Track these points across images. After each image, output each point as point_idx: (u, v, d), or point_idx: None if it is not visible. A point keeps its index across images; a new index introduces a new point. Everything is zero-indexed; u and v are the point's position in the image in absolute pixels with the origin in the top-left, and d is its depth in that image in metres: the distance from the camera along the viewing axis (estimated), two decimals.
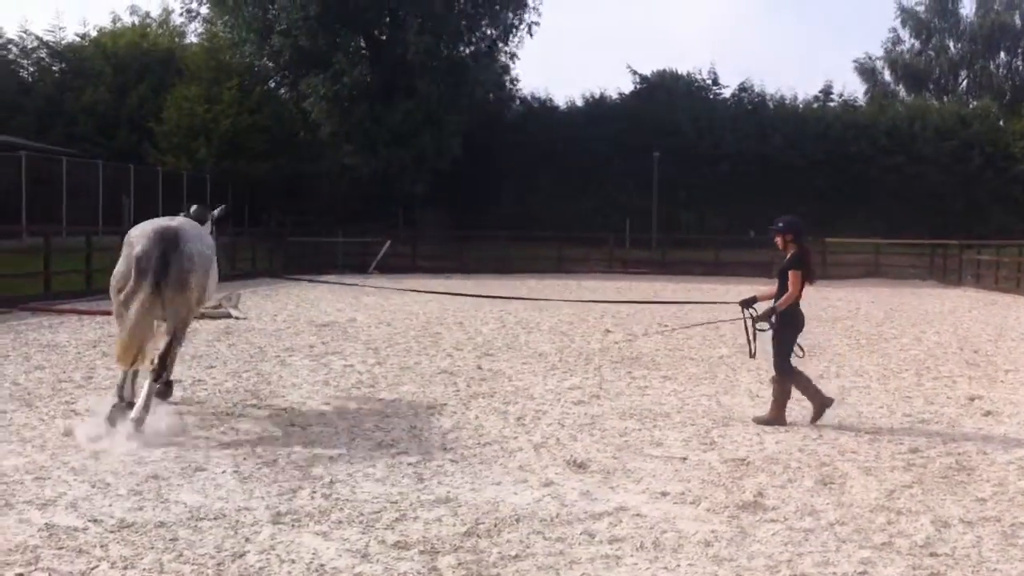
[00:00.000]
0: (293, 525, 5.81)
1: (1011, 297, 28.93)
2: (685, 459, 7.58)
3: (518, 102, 50.39)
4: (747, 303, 9.56)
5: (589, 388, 10.85)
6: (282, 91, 44.07)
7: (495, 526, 5.84)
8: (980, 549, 5.61)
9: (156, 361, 8.25)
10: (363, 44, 41.44)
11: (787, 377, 9.12)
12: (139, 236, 8.45)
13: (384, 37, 41.15)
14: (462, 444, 7.94)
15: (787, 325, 9.15)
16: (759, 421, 9.10)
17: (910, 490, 6.81)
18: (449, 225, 41.94)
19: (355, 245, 37.40)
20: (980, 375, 12.49)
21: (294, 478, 6.80)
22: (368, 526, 5.82)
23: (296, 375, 11.33)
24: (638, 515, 6.12)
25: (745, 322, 9.59)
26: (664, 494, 6.60)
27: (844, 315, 21.25)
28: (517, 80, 48.78)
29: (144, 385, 8.19)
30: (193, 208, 10.11)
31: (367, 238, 37.53)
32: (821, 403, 9.10)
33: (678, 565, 5.26)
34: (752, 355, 9.58)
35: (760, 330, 9.38)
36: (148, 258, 8.19)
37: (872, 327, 18.62)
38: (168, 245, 8.30)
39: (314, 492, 6.47)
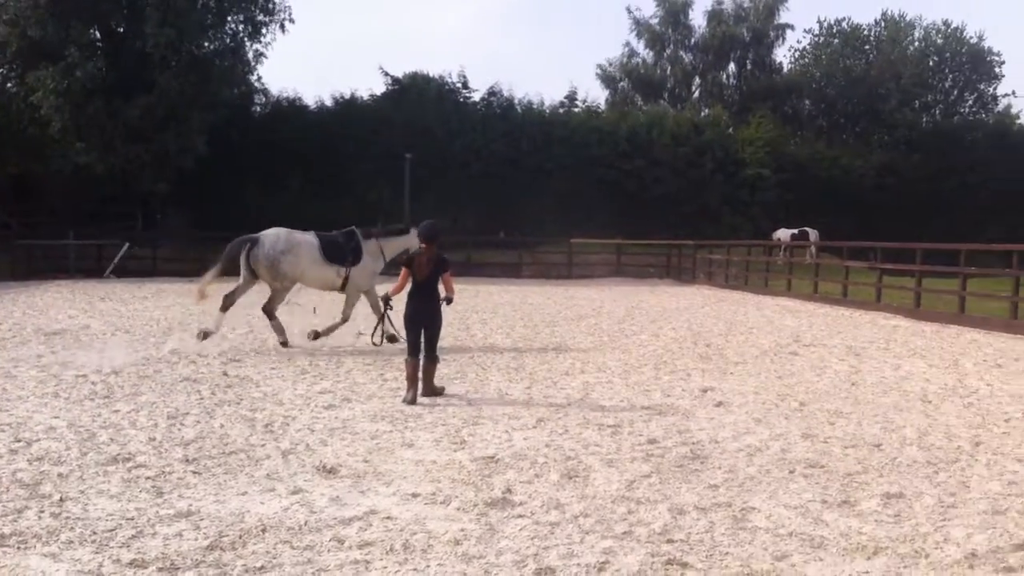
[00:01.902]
0: (19, 547, 5.38)
1: (739, 294, 30.96)
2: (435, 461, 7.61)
3: (266, 101, 49.26)
4: (385, 297, 11.34)
5: (340, 391, 10.71)
6: (9, 84, 41.07)
7: (240, 538, 5.63)
8: (713, 533, 5.91)
9: (263, 309, 14.91)
10: (99, 36, 39.24)
11: (408, 357, 10.33)
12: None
13: (122, 30, 39.13)
14: (205, 454, 7.62)
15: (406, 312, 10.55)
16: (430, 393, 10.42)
17: (649, 480, 7.11)
18: (193, 226, 40.36)
19: (90, 248, 35.31)
20: (712, 368, 13.25)
21: (19, 497, 6.31)
22: (102, 545, 5.47)
23: (22, 388, 10.53)
24: (388, 518, 6.07)
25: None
26: (415, 495, 6.59)
27: (588, 313, 22.04)
28: (263, 79, 47.70)
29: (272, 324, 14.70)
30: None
31: (103, 240, 35.49)
32: (413, 396, 10.12)
33: (427, 566, 5.25)
34: (375, 343, 11.61)
35: (391, 309, 11.36)
36: (228, 250, 14.88)
37: (614, 324, 19.41)
38: (242, 247, 14.82)
39: (42, 511, 6.02)
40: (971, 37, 65.89)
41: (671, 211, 47.88)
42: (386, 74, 50.77)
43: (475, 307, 21.60)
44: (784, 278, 31.33)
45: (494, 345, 15.29)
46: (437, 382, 10.66)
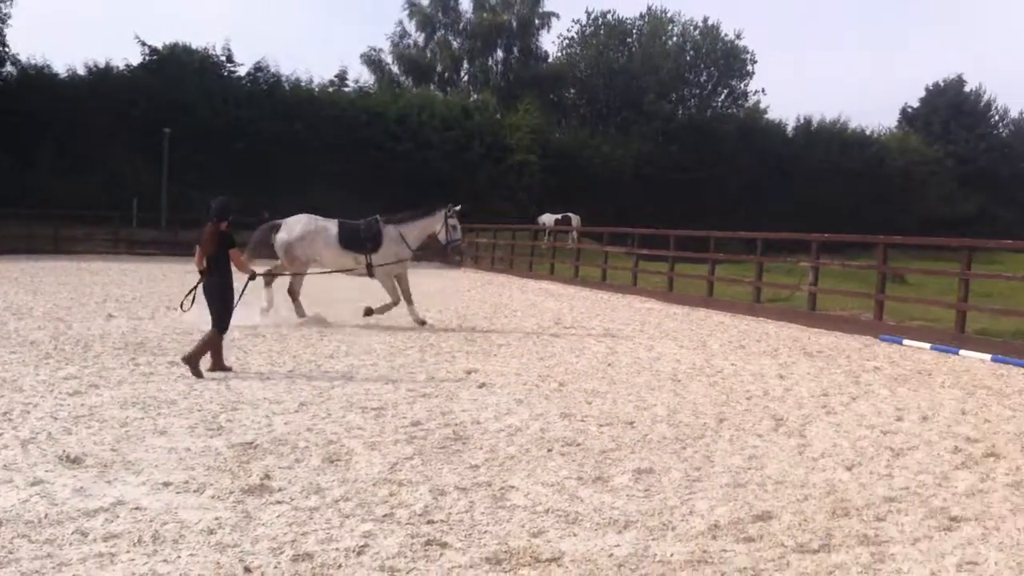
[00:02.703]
0: None
1: (505, 277, 31.58)
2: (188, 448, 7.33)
3: (11, 67, 45.89)
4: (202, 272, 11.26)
5: (88, 377, 10.13)
6: None
7: None
8: (472, 513, 5.97)
9: (288, 291, 16.28)
10: None
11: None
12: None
13: None
14: None
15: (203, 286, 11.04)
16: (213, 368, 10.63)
17: (411, 462, 7.12)
18: None
19: None
20: (476, 350, 13.44)
21: None
22: None
23: None
24: (137, 508, 5.79)
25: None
26: (166, 484, 6.32)
27: (355, 297, 21.84)
28: (8, 44, 44.45)
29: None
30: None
31: None
32: (213, 364, 10.63)
33: (178, 556, 5.05)
34: (182, 308, 11.58)
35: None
36: (254, 236, 16.41)
37: None
38: (268, 232, 16.33)
39: None
40: (727, 35, 69.82)
41: (440, 194, 47.79)
42: (143, 44, 48.47)
43: (237, 289, 20.96)
44: (547, 262, 32.17)
45: (257, 328, 14.91)
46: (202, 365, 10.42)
